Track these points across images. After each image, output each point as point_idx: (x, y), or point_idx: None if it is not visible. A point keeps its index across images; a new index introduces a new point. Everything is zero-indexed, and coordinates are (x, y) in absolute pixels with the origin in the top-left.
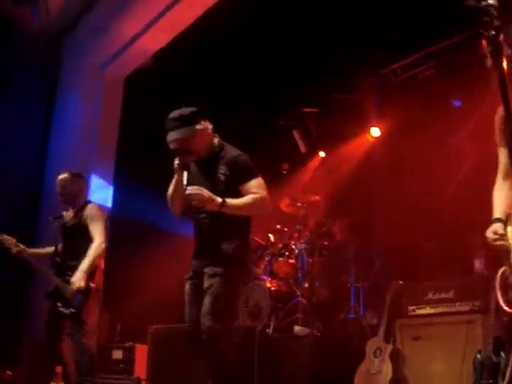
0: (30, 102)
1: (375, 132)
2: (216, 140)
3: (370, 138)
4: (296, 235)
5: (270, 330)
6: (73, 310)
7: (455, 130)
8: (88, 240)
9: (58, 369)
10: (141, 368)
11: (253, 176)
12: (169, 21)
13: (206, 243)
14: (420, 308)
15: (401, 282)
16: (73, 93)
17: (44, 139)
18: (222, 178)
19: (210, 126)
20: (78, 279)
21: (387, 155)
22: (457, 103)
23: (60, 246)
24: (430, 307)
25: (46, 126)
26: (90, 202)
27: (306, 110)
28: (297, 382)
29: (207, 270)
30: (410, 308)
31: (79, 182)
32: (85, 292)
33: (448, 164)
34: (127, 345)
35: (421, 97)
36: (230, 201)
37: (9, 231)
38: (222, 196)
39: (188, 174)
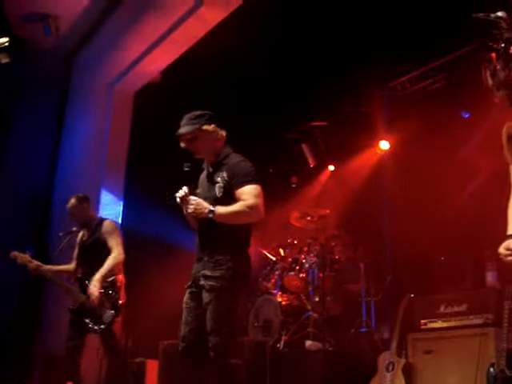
0: (40, 119)
1: (384, 145)
2: (226, 149)
3: (378, 151)
4: (306, 249)
5: (281, 345)
6: (102, 327)
7: (465, 142)
8: (107, 256)
9: (69, 383)
10: (152, 383)
11: (247, 182)
12: (177, 37)
13: (202, 252)
14: (432, 322)
15: (412, 296)
16: (82, 109)
17: (54, 155)
18: (221, 183)
19: (220, 132)
20: (94, 287)
21: (396, 168)
22: (466, 115)
23: (81, 264)
24: (443, 321)
25: (56, 143)
26: (104, 219)
27: (314, 123)
28: None
29: (204, 283)
30: (422, 322)
31: (86, 204)
32: (116, 308)
33: (459, 176)
34: (138, 360)
35: (430, 109)
36: (219, 208)
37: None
38: (221, 202)
39: (195, 188)
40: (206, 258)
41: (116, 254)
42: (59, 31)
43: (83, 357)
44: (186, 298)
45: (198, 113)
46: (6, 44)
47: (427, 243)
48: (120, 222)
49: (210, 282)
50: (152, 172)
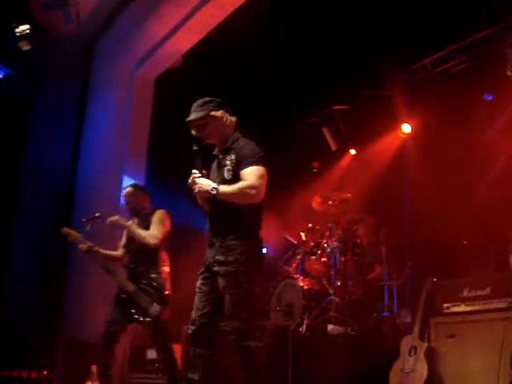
0: (62, 107)
1: (406, 128)
2: (236, 134)
3: (401, 134)
4: (328, 233)
5: (303, 329)
6: (148, 319)
7: (488, 125)
8: (157, 246)
9: (94, 368)
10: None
11: (252, 163)
12: (197, 21)
13: (213, 238)
14: (455, 306)
15: (435, 279)
16: (103, 96)
17: (76, 143)
18: (230, 166)
19: (229, 118)
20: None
21: (419, 151)
22: (489, 97)
23: (129, 253)
24: (466, 305)
25: (77, 130)
26: (157, 208)
27: (335, 107)
28: (330, 380)
29: (219, 268)
30: (445, 306)
31: (142, 193)
32: (163, 301)
33: (482, 159)
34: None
35: (452, 92)
36: (221, 187)
37: (44, 233)
38: (230, 184)
39: (208, 172)
40: (217, 244)
41: (151, 233)
42: (80, 18)
43: (118, 343)
44: (198, 283)
45: (206, 99)
46: (27, 31)
47: (450, 226)
48: None
49: (224, 268)
50: (173, 158)
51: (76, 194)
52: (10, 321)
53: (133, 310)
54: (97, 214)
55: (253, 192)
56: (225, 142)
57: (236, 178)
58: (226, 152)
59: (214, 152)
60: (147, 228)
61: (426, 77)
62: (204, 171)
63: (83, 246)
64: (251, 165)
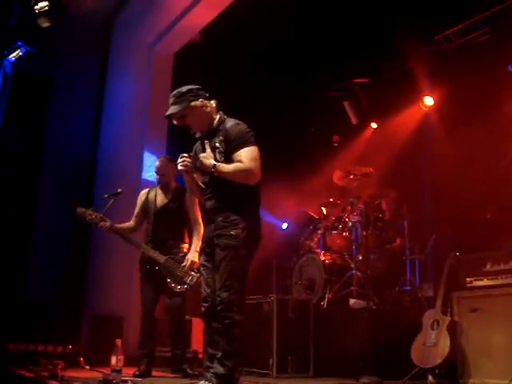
0: (82, 83)
1: (429, 101)
2: (218, 116)
3: (423, 107)
4: (349, 208)
5: (324, 303)
6: (186, 287)
7: (510, 97)
8: (185, 222)
9: (118, 342)
10: (198, 341)
11: (243, 145)
12: None
13: (215, 215)
14: (478, 280)
15: (457, 254)
16: (123, 71)
17: (96, 117)
18: (221, 148)
19: (208, 104)
20: (194, 257)
21: (441, 124)
22: None
23: (155, 226)
24: (489, 279)
25: (97, 106)
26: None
27: (356, 80)
28: (352, 354)
29: (218, 241)
30: (468, 280)
31: (172, 166)
32: (195, 269)
33: (505, 132)
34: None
35: (475, 63)
36: (220, 164)
37: (66, 208)
38: None
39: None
40: (219, 219)
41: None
42: None
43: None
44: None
45: (184, 90)
46: (46, 8)
47: (472, 200)
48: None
49: (225, 241)
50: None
51: (97, 170)
52: (35, 296)
53: (169, 280)
54: (119, 190)
55: (249, 175)
56: (210, 125)
57: (228, 159)
58: (213, 134)
59: (197, 135)
60: (182, 206)
61: (449, 48)
62: (191, 153)
63: (105, 224)
64: (243, 146)
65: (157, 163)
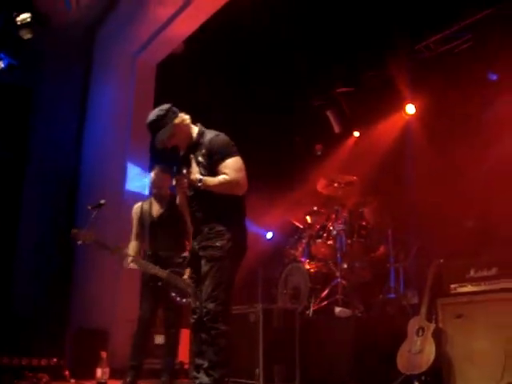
0: (65, 93)
1: (410, 109)
2: (197, 129)
3: (405, 115)
4: (333, 216)
5: (310, 312)
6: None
7: (492, 104)
8: (183, 230)
9: (103, 354)
10: (184, 352)
11: (226, 156)
12: (198, 5)
13: (198, 226)
14: (462, 286)
15: (441, 260)
16: (106, 82)
17: (80, 127)
18: (204, 162)
19: (186, 117)
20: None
21: (423, 132)
22: (493, 77)
23: (153, 239)
24: (472, 285)
25: (81, 117)
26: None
27: (339, 89)
28: (339, 362)
29: (204, 253)
30: (452, 286)
31: (168, 177)
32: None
33: (485, 139)
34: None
35: (456, 71)
36: (206, 178)
37: (50, 220)
38: None
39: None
40: (206, 230)
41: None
42: (80, 4)
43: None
44: (189, 273)
45: (161, 113)
46: (28, 20)
47: (455, 208)
48: (147, 193)
49: (210, 252)
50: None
51: (81, 180)
52: (19, 309)
53: (173, 294)
54: (102, 201)
55: (235, 186)
56: (190, 139)
57: (212, 172)
58: (194, 148)
59: (181, 153)
60: (176, 214)
61: (430, 56)
62: (185, 171)
63: (113, 248)
64: (227, 157)
65: (153, 176)
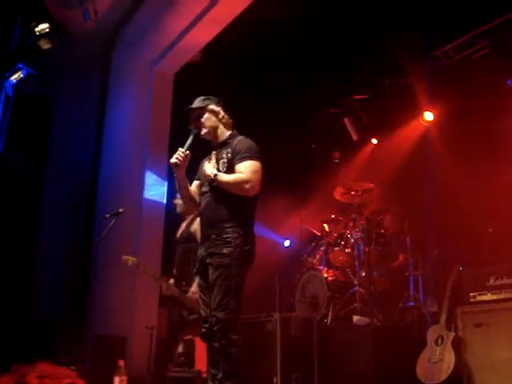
0: (83, 101)
1: (428, 116)
2: (232, 132)
3: (423, 122)
4: (351, 224)
5: (328, 320)
6: (195, 317)
7: (511, 111)
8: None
9: (121, 362)
10: (201, 361)
11: (248, 158)
12: (216, 14)
13: (210, 232)
14: (481, 294)
15: (461, 268)
16: (124, 90)
17: (98, 139)
18: (225, 159)
19: (226, 116)
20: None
21: (442, 139)
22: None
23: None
24: (492, 293)
25: (99, 126)
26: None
27: (356, 97)
28: (357, 371)
29: (211, 260)
30: (471, 295)
31: None
32: None
33: (506, 146)
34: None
35: (475, 78)
36: (221, 174)
37: (68, 229)
38: None
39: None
40: (213, 237)
41: None
42: (98, 14)
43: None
44: (197, 280)
45: (209, 96)
46: (47, 30)
47: (474, 215)
48: (165, 202)
49: (218, 259)
50: (194, 152)
51: (99, 189)
52: (38, 317)
53: (183, 313)
54: (120, 210)
55: (247, 186)
56: (220, 137)
57: (231, 170)
58: (222, 146)
59: (209, 148)
60: (189, 233)
61: (448, 63)
62: (188, 152)
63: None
64: (247, 159)
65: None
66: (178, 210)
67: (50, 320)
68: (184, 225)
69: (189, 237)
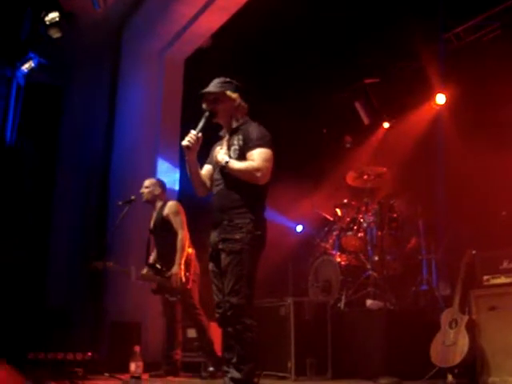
0: (94, 91)
1: (440, 99)
2: (245, 118)
3: (435, 105)
4: (364, 208)
5: (341, 305)
6: (179, 296)
7: None
8: (171, 235)
9: (137, 348)
10: (215, 345)
11: (258, 146)
12: (225, 1)
13: (221, 217)
14: (495, 277)
15: (474, 252)
16: (135, 77)
17: (109, 127)
18: (237, 146)
19: (242, 103)
20: (175, 272)
21: (454, 122)
22: None
23: (151, 247)
24: (506, 276)
25: (110, 114)
26: (168, 200)
27: (367, 80)
28: (371, 355)
29: (223, 246)
30: (485, 278)
31: (157, 186)
32: (183, 282)
33: None
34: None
35: (486, 60)
36: (232, 161)
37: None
38: None
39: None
40: (225, 223)
41: (181, 236)
42: (107, 2)
43: (180, 322)
44: (210, 266)
45: (227, 79)
46: (57, 19)
47: (487, 198)
48: (178, 189)
49: (230, 245)
50: (205, 137)
51: (111, 177)
52: (54, 304)
53: (167, 295)
54: (132, 197)
55: (258, 174)
56: (233, 123)
57: (242, 157)
58: (234, 132)
59: (220, 133)
60: (161, 219)
61: (459, 45)
62: (200, 135)
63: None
64: (259, 147)
65: None
66: (144, 199)
67: (66, 308)
68: (154, 214)
69: (162, 222)
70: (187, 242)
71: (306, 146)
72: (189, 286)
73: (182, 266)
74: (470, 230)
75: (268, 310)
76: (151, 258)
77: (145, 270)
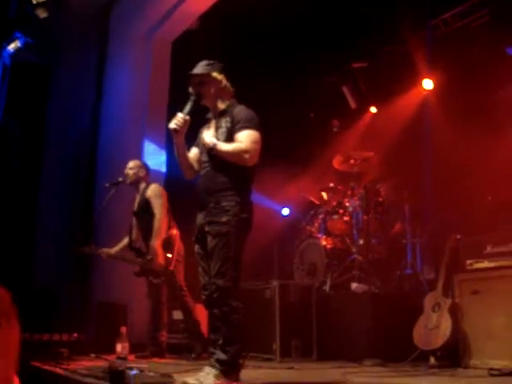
0: (81, 73)
1: (428, 84)
2: (232, 101)
3: (422, 90)
4: (350, 193)
5: (326, 288)
6: (163, 278)
7: (510, 80)
8: (153, 217)
9: (123, 329)
10: (202, 327)
11: (246, 128)
12: None
13: (207, 200)
14: (478, 262)
15: (458, 236)
16: (122, 59)
17: (96, 108)
18: (224, 128)
19: (227, 84)
20: (152, 254)
21: (441, 107)
22: (511, 51)
23: (134, 229)
24: (489, 261)
25: (97, 96)
26: (151, 182)
27: (354, 65)
28: (355, 337)
29: (209, 228)
30: (468, 262)
31: (141, 168)
32: (165, 263)
33: (504, 114)
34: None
35: (473, 46)
36: (220, 143)
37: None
38: None
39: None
40: (212, 205)
41: (158, 218)
42: None
43: (165, 303)
44: (196, 248)
45: (211, 61)
46: None
47: (473, 183)
48: (164, 171)
49: (216, 227)
50: (193, 119)
51: (98, 158)
52: (40, 285)
53: (151, 278)
54: (120, 179)
55: (246, 156)
56: (220, 105)
57: (230, 139)
58: (221, 114)
59: (208, 115)
60: (143, 201)
61: (447, 31)
62: (188, 117)
63: (104, 255)
64: (247, 129)
65: None
66: (128, 180)
67: (52, 287)
68: (137, 196)
69: (145, 205)
70: (164, 225)
71: (293, 129)
72: (171, 268)
73: (159, 248)
74: (456, 215)
75: (253, 293)
76: (127, 240)
77: (112, 250)
